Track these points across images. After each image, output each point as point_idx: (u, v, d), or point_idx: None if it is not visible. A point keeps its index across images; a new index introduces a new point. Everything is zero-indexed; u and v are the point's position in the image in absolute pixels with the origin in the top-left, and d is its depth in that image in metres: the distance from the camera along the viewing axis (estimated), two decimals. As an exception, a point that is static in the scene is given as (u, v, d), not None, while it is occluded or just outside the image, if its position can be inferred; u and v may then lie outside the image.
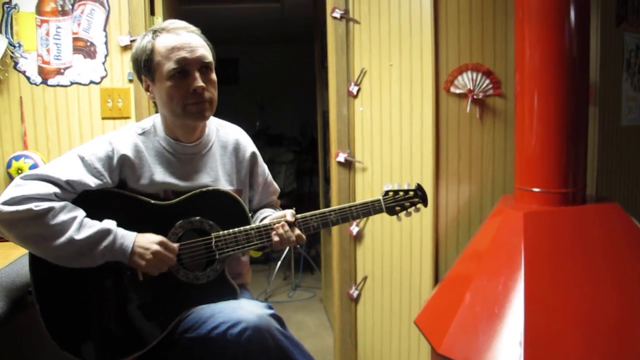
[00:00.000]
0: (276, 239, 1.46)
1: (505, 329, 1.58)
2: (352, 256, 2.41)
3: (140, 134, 1.49)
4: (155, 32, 1.44)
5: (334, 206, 1.55)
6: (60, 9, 2.25)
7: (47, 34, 2.26)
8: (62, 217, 1.29)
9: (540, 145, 1.77)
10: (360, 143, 2.34)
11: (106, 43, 2.30)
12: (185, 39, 1.42)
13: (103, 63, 2.30)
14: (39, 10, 2.25)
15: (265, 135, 6.16)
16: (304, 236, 1.49)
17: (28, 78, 2.28)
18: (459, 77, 2.21)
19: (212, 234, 1.45)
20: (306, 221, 1.50)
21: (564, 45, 1.72)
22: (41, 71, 2.28)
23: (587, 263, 1.66)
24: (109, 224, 1.35)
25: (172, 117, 1.46)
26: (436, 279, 2.28)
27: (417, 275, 2.31)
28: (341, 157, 2.34)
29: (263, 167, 1.71)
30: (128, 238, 1.35)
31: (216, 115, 1.62)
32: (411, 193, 1.61)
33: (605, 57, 2.23)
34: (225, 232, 1.45)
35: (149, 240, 1.37)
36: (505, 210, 1.83)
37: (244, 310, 1.32)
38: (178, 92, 1.41)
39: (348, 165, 2.36)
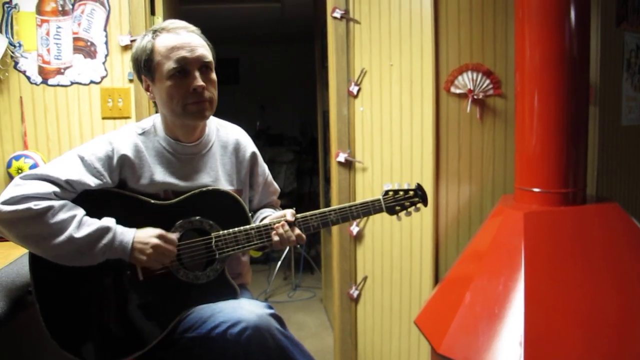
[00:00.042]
0: (276, 238, 1.46)
1: (505, 329, 1.58)
2: (352, 256, 2.41)
3: (140, 134, 1.49)
4: (155, 31, 1.44)
5: (334, 206, 1.56)
6: (60, 8, 2.25)
7: (48, 33, 2.26)
8: (62, 215, 1.29)
9: (541, 146, 1.77)
10: (361, 143, 2.34)
11: (106, 43, 2.30)
12: (185, 38, 1.43)
13: (103, 63, 2.30)
14: (39, 10, 2.25)
15: (265, 135, 6.17)
16: (304, 236, 1.49)
17: (28, 78, 2.28)
18: (459, 77, 2.21)
19: (212, 234, 1.45)
20: (306, 221, 1.50)
21: (564, 45, 1.72)
22: (41, 71, 2.28)
23: (587, 263, 1.66)
24: (108, 221, 1.35)
25: (172, 117, 1.46)
26: (436, 279, 2.28)
27: (417, 275, 2.30)
28: (341, 157, 2.35)
29: (263, 167, 1.71)
30: (127, 234, 1.35)
31: (216, 115, 1.62)
32: (411, 193, 1.61)
33: (605, 57, 2.22)
34: (225, 231, 1.45)
35: (148, 235, 1.37)
36: (505, 211, 1.83)
37: (244, 310, 1.32)
38: (178, 91, 1.41)
39: (348, 165, 2.36)
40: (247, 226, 1.47)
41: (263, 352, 1.28)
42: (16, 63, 2.27)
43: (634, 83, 2.43)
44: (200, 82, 1.41)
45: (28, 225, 1.27)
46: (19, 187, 1.29)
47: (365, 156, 2.34)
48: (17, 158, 2.19)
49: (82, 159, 1.37)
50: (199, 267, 1.46)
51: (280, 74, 6.64)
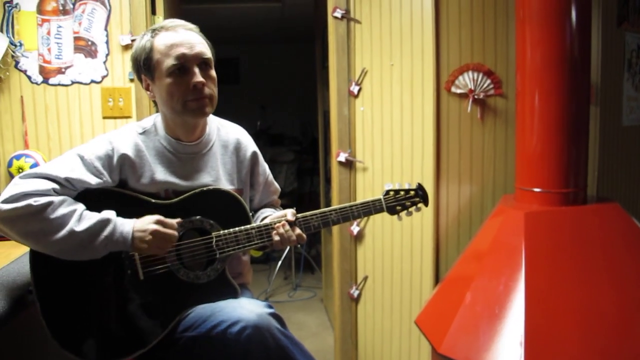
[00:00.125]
0: (277, 238, 1.46)
1: (505, 329, 1.58)
2: (353, 256, 2.41)
3: (140, 134, 1.49)
4: (154, 30, 1.45)
5: (335, 205, 1.55)
6: (61, 8, 2.26)
7: (48, 33, 2.26)
8: (62, 210, 1.29)
9: (541, 146, 1.77)
10: (361, 143, 2.34)
11: (107, 42, 2.30)
12: (183, 36, 1.43)
13: (104, 62, 2.30)
14: (40, 10, 2.25)
15: (266, 135, 6.17)
16: (304, 235, 1.49)
17: (29, 77, 2.28)
18: (460, 77, 2.21)
19: (213, 233, 1.45)
20: (307, 220, 1.50)
21: (565, 45, 1.72)
22: (42, 70, 2.28)
23: (587, 263, 1.66)
24: (108, 213, 1.35)
25: (172, 115, 1.46)
26: (437, 279, 2.28)
27: (418, 275, 2.30)
28: (342, 157, 2.34)
29: (264, 166, 1.71)
30: (127, 225, 1.35)
31: (217, 115, 1.62)
32: (412, 192, 1.61)
33: (606, 57, 2.22)
34: (226, 231, 1.45)
35: (146, 222, 1.36)
36: (506, 210, 1.83)
37: (244, 309, 1.32)
38: (178, 88, 1.41)
39: (349, 165, 2.36)
40: (248, 226, 1.47)
41: (263, 351, 1.28)
42: (17, 62, 2.27)
43: (634, 83, 2.43)
44: (199, 78, 1.41)
45: (29, 221, 1.27)
46: (18, 185, 1.29)
47: (365, 156, 2.34)
48: (17, 157, 2.19)
49: (82, 158, 1.38)
50: (200, 267, 1.46)
51: (280, 73, 6.64)
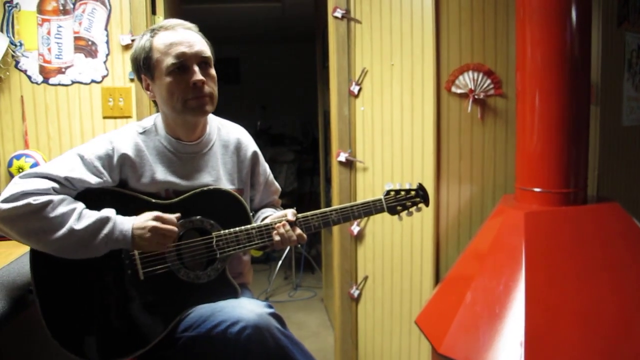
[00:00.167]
0: (277, 238, 1.46)
1: (506, 328, 1.58)
2: (353, 256, 2.41)
3: (141, 133, 1.49)
4: (153, 30, 1.45)
5: (335, 205, 1.55)
6: (61, 8, 2.26)
7: (49, 33, 2.26)
8: (62, 209, 1.30)
9: (542, 146, 1.77)
10: (362, 143, 2.34)
11: (107, 42, 2.30)
12: (183, 35, 1.43)
13: (104, 62, 2.30)
14: (40, 9, 2.25)
15: (266, 135, 6.17)
16: (304, 235, 1.49)
17: (29, 77, 2.28)
18: (460, 77, 2.21)
19: (213, 233, 1.45)
20: (307, 220, 1.50)
21: (565, 45, 1.72)
22: (42, 70, 2.28)
23: (587, 263, 1.66)
24: (108, 211, 1.35)
25: (172, 114, 1.46)
26: (437, 279, 2.28)
27: (418, 275, 2.30)
28: (342, 157, 2.35)
29: (264, 166, 1.71)
30: (126, 223, 1.35)
31: (217, 114, 1.62)
32: (413, 192, 1.61)
33: (606, 57, 2.22)
34: (226, 231, 1.45)
35: (144, 219, 1.36)
36: (506, 210, 1.83)
37: (244, 309, 1.32)
38: (178, 87, 1.41)
39: (349, 164, 2.36)
40: (248, 226, 1.47)
41: (263, 351, 1.28)
42: (17, 62, 2.27)
43: (635, 83, 2.43)
44: (199, 76, 1.41)
45: (29, 220, 1.27)
46: (17, 185, 1.29)
47: (366, 156, 2.34)
48: (18, 157, 2.19)
49: (82, 157, 1.38)
50: (200, 267, 1.46)
51: (281, 73, 6.64)
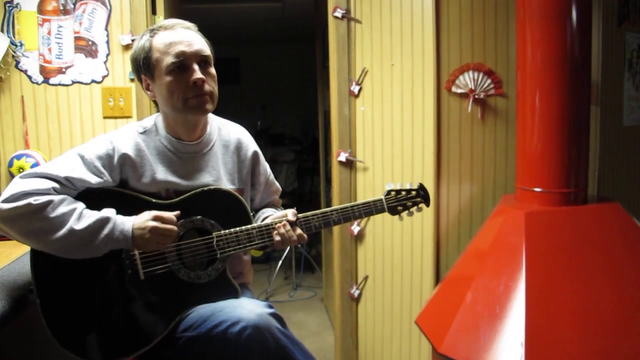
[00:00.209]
0: (277, 238, 1.46)
1: (506, 328, 1.58)
2: (353, 256, 2.41)
3: (141, 133, 1.49)
4: (152, 30, 1.46)
5: (336, 205, 1.55)
6: (61, 8, 2.26)
7: (49, 33, 2.26)
8: (62, 209, 1.30)
9: (542, 145, 1.77)
10: (362, 142, 2.35)
11: (108, 42, 2.30)
12: (182, 34, 1.43)
13: (105, 62, 2.30)
14: (41, 10, 2.25)
15: (266, 135, 6.17)
16: (305, 236, 1.49)
17: (30, 77, 2.28)
18: (461, 77, 2.20)
19: (214, 233, 1.45)
20: (308, 221, 1.50)
21: (565, 45, 1.72)
22: (43, 70, 2.28)
23: (588, 263, 1.66)
24: (108, 212, 1.35)
25: (173, 114, 1.46)
26: (437, 279, 2.28)
27: (418, 275, 2.30)
28: (342, 157, 2.35)
29: (265, 166, 1.71)
30: (127, 223, 1.35)
31: (217, 114, 1.62)
32: (413, 193, 1.61)
33: (607, 56, 2.22)
34: (227, 231, 1.45)
35: (144, 219, 1.36)
36: (506, 210, 1.83)
37: (244, 309, 1.32)
38: (178, 86, 1.41)
39: (349, 164, 2.36)
40: (249, 226, 1.47)
41: (263, 351, 1.28)
42: (17, 62, 2.27)
43: (635, 83, 2.43)
44: (199, 75, 1.41)
45: (29, 220, 1.27)
46: (18, 185, 1.30)
47: (366, 156, 2.34)
48: (18, 157, 2.19)
49: (82, 157, 1.38)
50: (200, 267, 1.46)
51: (281, 73, 6.65)
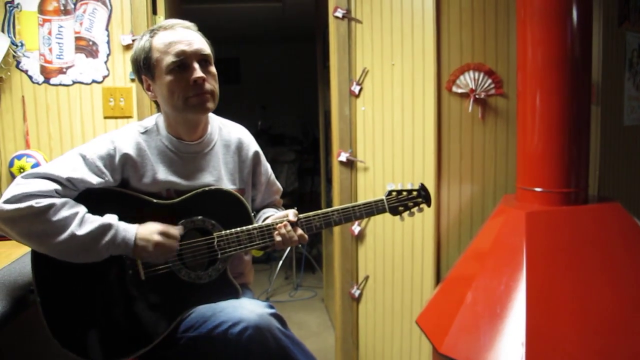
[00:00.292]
0: (278, 238, 1.46)
1: (507, 328, 1.58)
2: (354, 256, 2.41)
3: (142, 133, 1.49)
4: (152, 31, 1.46)
5: (337, 206, 1.55)
6: (62, 8, 2.26)
7: (50, 33, 2.26)
8: (64, 213, 1.30)
9: (542, 145, 1.77)
10: (362, 142, 2.34)
11: (108, 42, 2.30)
12: (182, 34, 1.43)
13: (105, 62, 2.30)
14: (41, 10, 2.26)
15: (267, 135, 6.17)
16: (306, 236, 1.49)
17: (30, 77, 2.28)
18: (461, 77, 2.20)
19: (215, 234, 1.45)
20: (309, 221, 1.50)
21: (566, 44, 1.72)
22: (43, 70, 2.28)
23: (588, 263, 1.66)
24: (110, 218, 1.35)
25: (174, 113, 1.46)
26: (438, 279, 2.28)
27: (419, 275, 2.30)
28: (343, 157, 2.35)
29: (266, 166, 1.71)
30: (129, 231, 1.35)
31: (217, 114, 1.62)
32: (414, 193, 1.61)
33: (607, 56, 2.22)
34: (228, 231, 1.45)
35: (150, 231, 1.37)
36: (507, 210, 1.83)
37: (245, 310, 1.32)
38: (178, 85, 1.41)
39: (350, 164, 2.36)
40: (250, 226, 1.47)
41: (264, 351, 1.28)
42: (18, 62, 2.27)
43: (636, 82, 2.43)
44: (200, 73, 1.41)
45: (30, 223, 1.27)
46: (20, 185, 1.29)
47: (366, 156, 2.34)
48: (19, 157, 2.19)
49: (83, 157, 1.38)
50: (201, 267, 1.46)
51: (281, 73, 6.65)
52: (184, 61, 1.41)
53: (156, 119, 1.53)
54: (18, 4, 2.24)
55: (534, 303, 1.58)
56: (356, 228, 2.37)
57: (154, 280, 1.40)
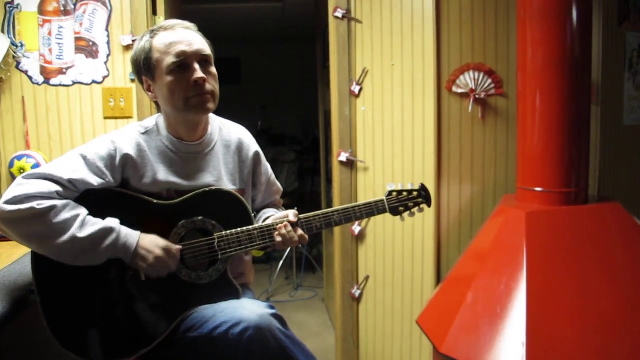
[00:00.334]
0: (279, 239, 1.46)
1: (507, 328, 1.58)
2: (354, 256, 2.41)
3: (142, 133, 1.49)
4: (152, 31, 1.46)
5: (337, 206, 1.55)
6: (62, 8, 2.26)
7: (50, 33, 2.26)
8: (65, 215, 1.30)
9: (542, 145, 1.77)
10: (362, 143, 2.35)
11: (108, 43, 2.30)
12: (182, 34, 1.44)
13: (105, 63, 2.30)
14: (41, 10, 2.26)
15: (267, 135, 6.17)
16: (306, 236, 1.49)
17: (30, 78, 2.28)
18: (461, 77, 2.21)
19: (215, 234, 1.45)
20: (309, 221, 1.50)
21: (566, 44, 1.72)
22: (43, 71, 2.28)
23: (588, 263, 1.66)
24: (112, 222, 1.35)
25: (174, 114, 1.46)
26: (438, 279, 2.28)
27: (419, 275, 2.30)
28: (343, 157, 2.35)
29: (266, 166, 1.71)
30: (131, 237, 1.35)
31: (218, 114, 1.62)
32: (415, 193, 1.61)
33: (607, 56, 2.22)
34: (228, 232, 1.45)
35: (153, 244, 1.37)
36: (507, 210, 1.83)
37: (246, 310, 1.32)
38: (179, 85, 1.41)
39: (350, 164, 2.36)
40: (250, 227, 1.47)
41: (264, 352, 1.28)
42: (18, 63, 2.27)
43: (636, 82, 2.43)
44: (200, 74, 1.41)
45: (31, 224, 1.27)
46: (21, 186, 1.29)
47: (367, 156, 2.34)
48: (19, 158, 2.19)
49: (84, 158, 1.38)
50: (202, 267, 1.46)
51: (281, 73, 6.64)
52: (184, 62, 1.41)
53: (156, 120, 1.53)
54: (18, 4, 2.24)
55: (534, 303, 1.58)
56: (356, 228, 2.37)
57: (155, 281, 1.40)
